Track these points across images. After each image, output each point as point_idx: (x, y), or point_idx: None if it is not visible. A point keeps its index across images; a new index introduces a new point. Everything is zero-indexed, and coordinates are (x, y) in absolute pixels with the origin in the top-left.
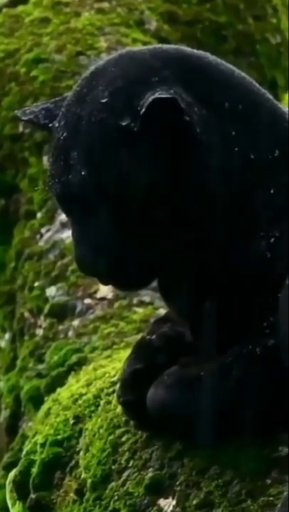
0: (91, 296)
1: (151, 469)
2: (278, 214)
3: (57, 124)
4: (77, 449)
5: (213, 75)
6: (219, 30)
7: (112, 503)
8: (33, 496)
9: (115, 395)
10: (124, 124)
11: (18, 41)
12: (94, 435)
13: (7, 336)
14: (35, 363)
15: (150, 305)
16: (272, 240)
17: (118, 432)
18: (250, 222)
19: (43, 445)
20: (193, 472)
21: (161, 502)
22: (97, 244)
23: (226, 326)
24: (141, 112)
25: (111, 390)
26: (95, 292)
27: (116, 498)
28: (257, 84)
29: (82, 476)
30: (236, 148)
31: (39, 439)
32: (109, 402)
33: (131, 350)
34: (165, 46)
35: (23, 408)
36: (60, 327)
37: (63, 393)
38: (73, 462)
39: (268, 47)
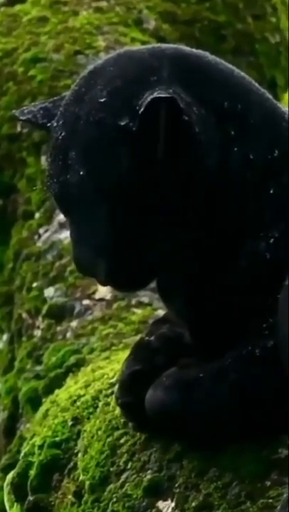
0: (89, 297)
1: (149, 471)
2: (278, 214)
3: (55, 124)
4: (76, 451)
5: (212, 75)
6: (218, 29)
7: (110, 505)
8: (31, 498)
9: (114, 396)
10: (122, 123)
11: (15, 40)
12: (92, 437)
13: (5, 337)
14: (33, 364)
15: (149, 306)
16: (271, 240)
17: (116, 433)
18: (249, 222)
19: (41, 447)
20: (192, 474)
21: (160, 504)
22: (96, 245)
23: (225, 327)
24: (139, 112)
25: (109, 391)
26: (94, 293)
27: (114, 500)
28: (256, 84)
29: (81, 478)
30: (235, 148)
31: (37, 440)
32: (107, 404)
33: (129, 351)
34: (164, 45)
35: (21, 410)
36: (59, 328)
37: (61, 395)
38: (71, 464)
39: (267, 46)
